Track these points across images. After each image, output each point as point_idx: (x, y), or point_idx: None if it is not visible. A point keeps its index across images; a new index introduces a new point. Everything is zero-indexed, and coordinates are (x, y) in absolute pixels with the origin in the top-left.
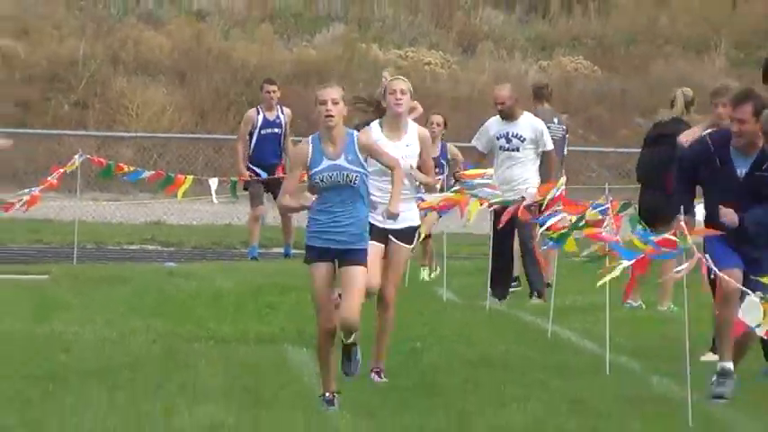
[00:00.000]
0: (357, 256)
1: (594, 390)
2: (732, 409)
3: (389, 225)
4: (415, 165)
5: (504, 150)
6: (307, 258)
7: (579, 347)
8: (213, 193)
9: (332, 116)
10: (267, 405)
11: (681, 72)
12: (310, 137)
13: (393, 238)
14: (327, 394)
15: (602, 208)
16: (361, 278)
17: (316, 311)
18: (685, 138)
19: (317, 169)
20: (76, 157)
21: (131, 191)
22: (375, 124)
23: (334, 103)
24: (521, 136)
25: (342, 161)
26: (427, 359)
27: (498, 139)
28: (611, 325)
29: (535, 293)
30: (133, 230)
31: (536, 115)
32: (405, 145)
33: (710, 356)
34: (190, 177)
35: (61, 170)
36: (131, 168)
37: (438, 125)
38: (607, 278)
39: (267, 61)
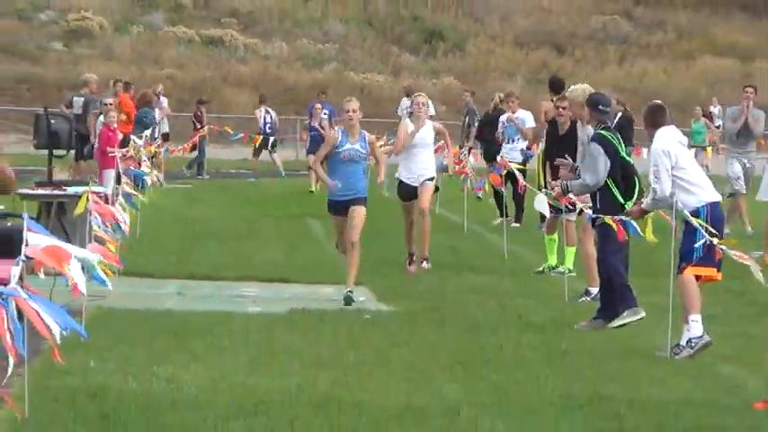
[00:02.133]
0: (360, 202)
1: None
2: None
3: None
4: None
5: None
6: (330, 211)
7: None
8: None
9: (353, 119)
10: None
11: None
12: (339, 128)
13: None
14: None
15: None
16: (362, 214)
17: (338, 239)
18: None
19: (342, 148)
20: None
21: None
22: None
23: (354, 111)
24: None
25: (357, 146)
26: None
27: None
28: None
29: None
30: None
31: None
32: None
33: None
34: None
35: None
36: None
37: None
38: None
39: None
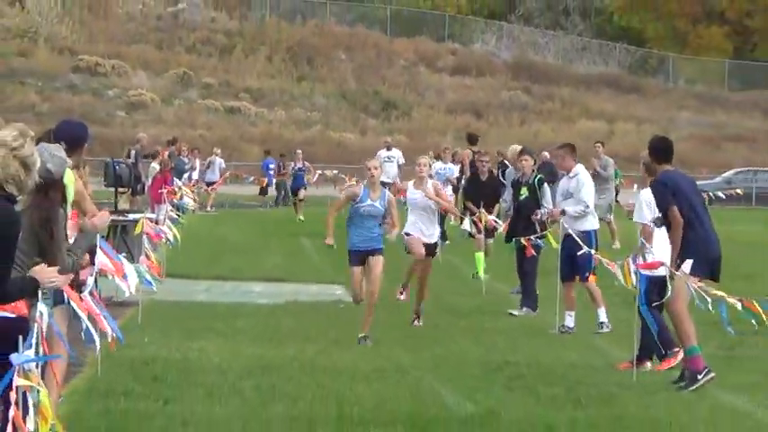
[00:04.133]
0: (378, 252)
1: None
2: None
3: (427, 240)
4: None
5: None
6: (350, 262)
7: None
8: None
9: (374, 176)
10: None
11: None
12: (362, 184)
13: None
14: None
15: None
16: (380, 263)
17: (353, 291)
18: None
19: (363, 204)
20: None
21: None
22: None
23: (375, 168)
24: None
25: (377, 203)
26: None
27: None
28: None
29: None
30: None
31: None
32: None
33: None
34: None
35: None
36: None
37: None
38: None
39: None
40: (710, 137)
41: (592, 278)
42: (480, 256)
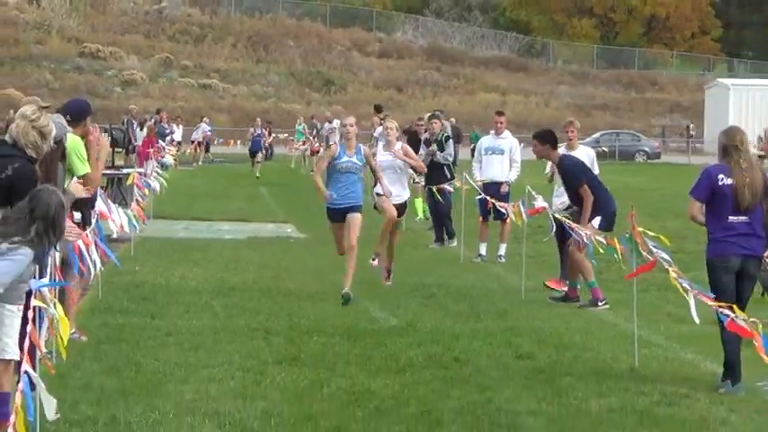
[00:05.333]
0: (356, 209)
1: None
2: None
3: (396, 201)
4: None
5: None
6: (330, 218)
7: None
8: None
9: (350, 132)
10: None
11: None
12: (338, 142)
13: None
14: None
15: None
16: (358, 220)
17: (336, 244)
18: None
19: (340, 161)
20: None
21: None
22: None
23: (351, 125)
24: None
25: (354, 158)
26: None
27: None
28: None
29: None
30: None
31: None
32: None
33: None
34: None
35: None
36: None
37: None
38: None
39: None
40: (582, 105)
41: (508, 221)
42: (419, 200)
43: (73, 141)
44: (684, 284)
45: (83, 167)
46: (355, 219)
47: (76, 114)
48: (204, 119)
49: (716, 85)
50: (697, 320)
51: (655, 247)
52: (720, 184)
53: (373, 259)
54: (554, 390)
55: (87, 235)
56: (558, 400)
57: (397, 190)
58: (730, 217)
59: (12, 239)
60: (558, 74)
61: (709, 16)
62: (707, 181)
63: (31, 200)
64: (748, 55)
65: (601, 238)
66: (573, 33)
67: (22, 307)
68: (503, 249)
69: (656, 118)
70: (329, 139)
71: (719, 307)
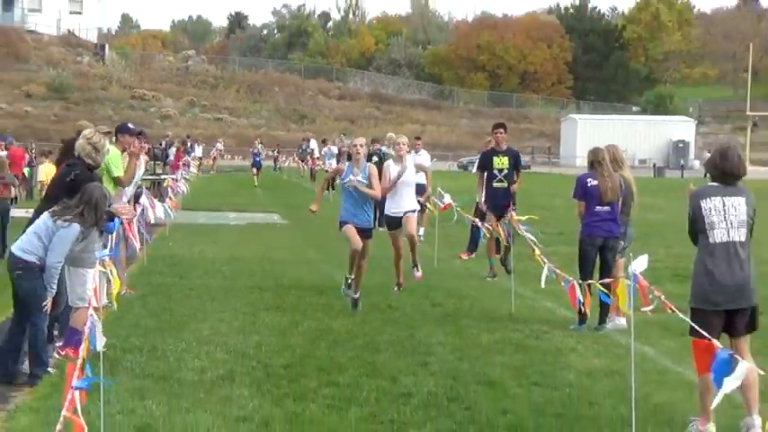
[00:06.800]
0: (368, 235)
1: None
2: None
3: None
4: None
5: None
6: (341, 224)
7: None
8: None
9: (359, 153)
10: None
11: None
12: (347, 162)
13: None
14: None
15: None
16: (369, 247)
17: (350, 245)
18: None
19: (345, 180)
20: None
21: None
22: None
23: (361, 146)
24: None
25: (359, 177)
26: None
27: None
28: None
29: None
30: None
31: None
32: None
33: None
34: None
35: None
36: None
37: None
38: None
39: None
40: (477, 133)
41: (426, 211)
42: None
43: (113, 152)
44: (544, 260)
45: (115, 171)
46: (367, 245)
47: (117, 130)
48: (219, 140)
49: (568, 119)
50: (543, 285)
51: (526, 230)
52: (589, 185)
53: (416, 268)
54: (456, 327)
55: (132, 223)
56: (460, 335)
57: (405, 201)
58: (597, 207)
59: (65, 218)
60: (461, 111)
61: (564, 72)
62: (581, 185)
63: (83, 192)
64: (591, 98)
65: (489, 225)
66: (471, 83)
67: (93, 270)
68: (421, 231)
69: (527, 141)
70: (314, 152)
71: (572, 278)
